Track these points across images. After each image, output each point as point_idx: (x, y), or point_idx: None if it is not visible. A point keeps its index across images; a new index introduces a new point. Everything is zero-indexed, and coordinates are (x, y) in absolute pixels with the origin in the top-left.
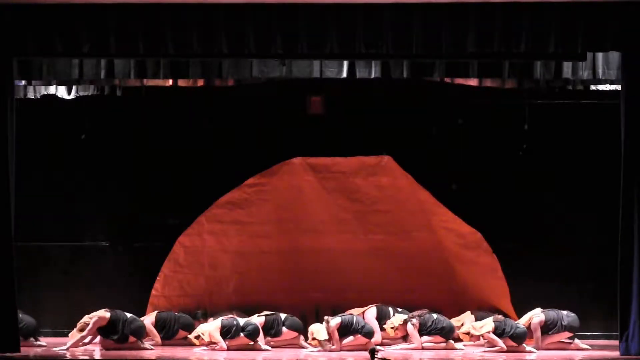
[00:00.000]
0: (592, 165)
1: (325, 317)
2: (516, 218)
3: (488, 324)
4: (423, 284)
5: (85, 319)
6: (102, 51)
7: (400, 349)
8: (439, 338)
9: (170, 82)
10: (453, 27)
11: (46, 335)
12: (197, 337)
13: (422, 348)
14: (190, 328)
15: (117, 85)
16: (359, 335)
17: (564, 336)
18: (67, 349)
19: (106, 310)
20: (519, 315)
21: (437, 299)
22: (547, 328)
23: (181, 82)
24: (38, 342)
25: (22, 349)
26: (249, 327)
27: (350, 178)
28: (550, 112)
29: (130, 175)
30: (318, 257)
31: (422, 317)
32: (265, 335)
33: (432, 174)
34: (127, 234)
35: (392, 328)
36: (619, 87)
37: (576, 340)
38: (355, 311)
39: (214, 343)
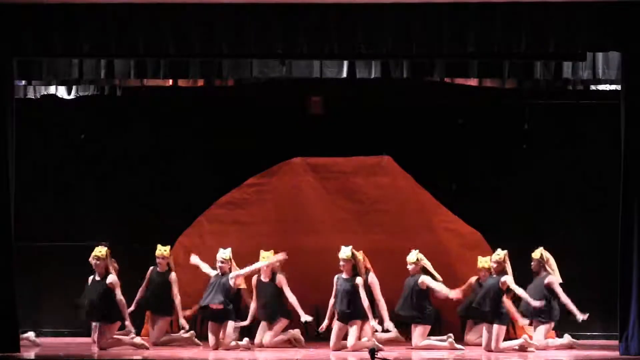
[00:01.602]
0: (592, 166)
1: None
2: (516, 218)
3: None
4: None
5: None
6: (102, 51)
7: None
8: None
9: (170, 82)
10: (453, 27)
11: (46, 335)
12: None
13: None
14: None
15: (117, 85)
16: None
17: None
18: None
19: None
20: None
21: (437, 299)
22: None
23: (181, 82)
24: (33, 340)
25: (22, 349)
26: None
27: (350, 178)
28: (550, 112)
29: (130, 175)
30: (318, 257)
31: None
32: None
33: (432, 174)
34: (127, 234)
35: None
36: (619, 87)
37: (566, 335)
38: None
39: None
